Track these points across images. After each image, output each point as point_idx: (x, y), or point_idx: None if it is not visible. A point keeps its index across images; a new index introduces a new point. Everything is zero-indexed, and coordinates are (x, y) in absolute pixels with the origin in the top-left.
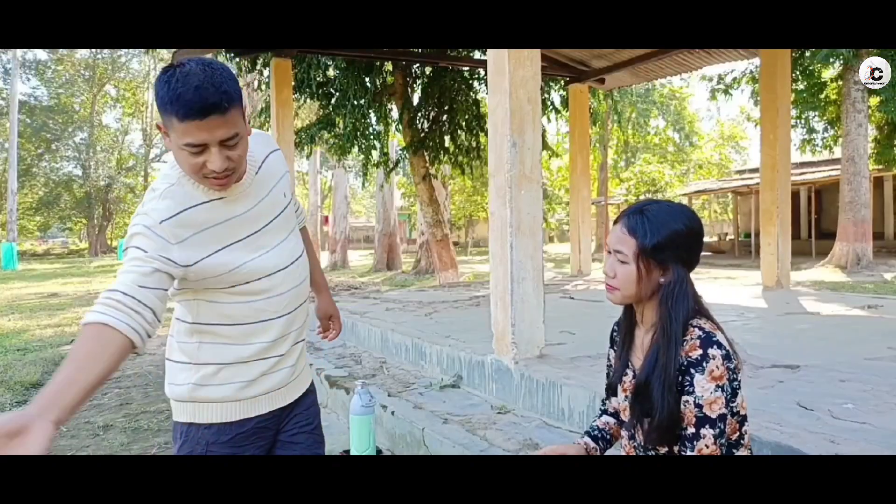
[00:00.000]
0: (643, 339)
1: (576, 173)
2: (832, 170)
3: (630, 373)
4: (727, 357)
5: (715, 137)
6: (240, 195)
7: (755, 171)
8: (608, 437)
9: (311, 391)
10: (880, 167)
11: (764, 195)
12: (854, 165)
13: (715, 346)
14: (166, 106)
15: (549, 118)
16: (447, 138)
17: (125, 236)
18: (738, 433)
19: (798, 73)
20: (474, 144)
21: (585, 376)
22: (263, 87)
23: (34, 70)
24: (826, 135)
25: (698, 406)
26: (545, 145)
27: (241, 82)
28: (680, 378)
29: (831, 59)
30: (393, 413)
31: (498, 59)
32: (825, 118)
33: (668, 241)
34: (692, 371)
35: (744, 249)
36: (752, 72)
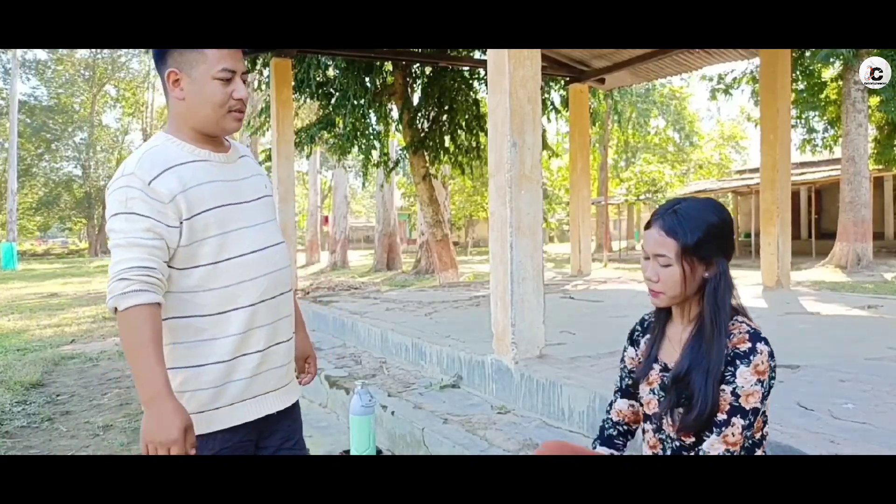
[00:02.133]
0: (681, 334)
1: (576, 173)
2: (832, 170)
3: (657, 367)
4: (772, 355)
5: (715, 137)
6: (225, 161)
7: (755, 170)
8: (624, 429)
9: (295, 404)
10: (880, 167)
11: (764, 195)
12: (854, 165)
13: (763, 342)
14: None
15: (549, 118)
16: (447, 138)
17: (110, 202)
18: (760, 433)
19: (798, 72)
20: (474, 144)
21: (586, 376)
22: (263, 86)
23: (34, 70)
24: (826, 135)
25: (735, 395)
26: (545, 145)
27: None
28: (722, 368)
29: (831, 59)
30: (393, 413)
31: (498, 59)
32: (825, 118)
33: (707, 235)
34: (737, 362)
35: (744, 249)
36: (752, 72)
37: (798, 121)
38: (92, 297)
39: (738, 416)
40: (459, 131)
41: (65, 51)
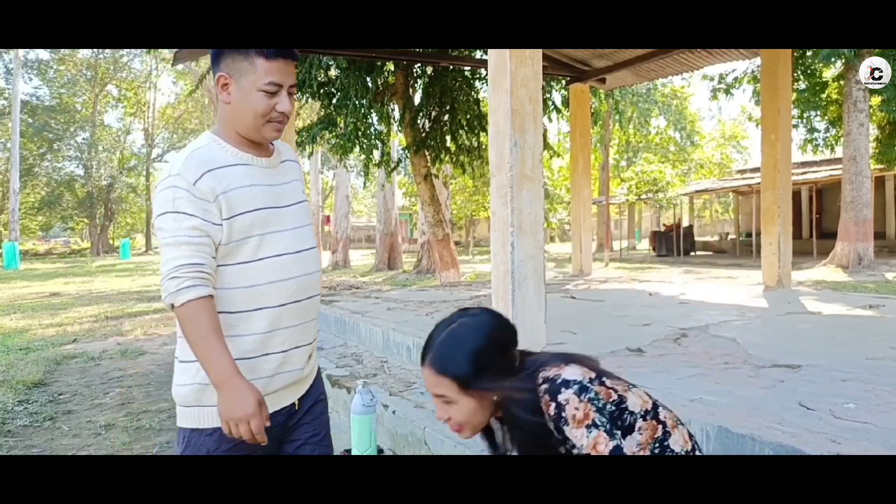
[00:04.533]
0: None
1: (577, 173)
2: (833, 169)
3: None
4: (581, 390)
5: (716, 137)
6: (266, 166)
7: (756, 170)
8: None
9: (321, 399)
10: (882, 167)
11: (765, 195)
12: (855, 165)
13: (562, 389)
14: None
15: (550, 118)
16: (448, 138)
17: (158, 202)
18: (658, 429)
19: (799, 72)
20: (476, 144)
21: None
22: None
23: (36, 70)
24: (827, 134)
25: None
26: (546, 145)
27: None
28: (561, 437)
29: (833, 59)
30: (394, 412)
31: (499, 59)
32: (826, 118)
33: (479, 364)
34: (561, 427)
35: (745, 249)
36: (753, 71)
37: (799, 120)
38: (94, 297)
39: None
40: (461, 131)
41: (67, 51)
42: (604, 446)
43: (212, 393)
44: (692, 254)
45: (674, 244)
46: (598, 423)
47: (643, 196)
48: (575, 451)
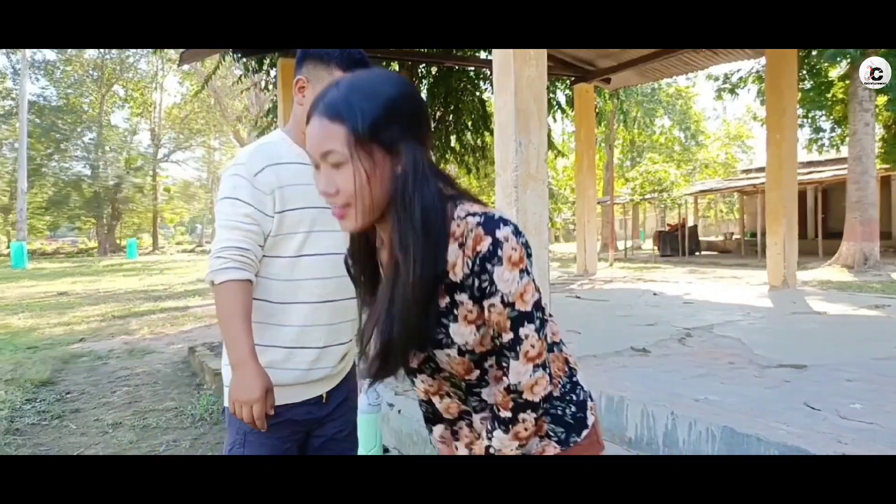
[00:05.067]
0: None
1: (581, 173)
2: (839, 169)
3: None
4: (517, 231)
5: (721, 137)
6: None
7: (761, 170)
8: None
9: (351, 396)
10: (887, 166)
11: (770, 194)
12: (861, 165)
13: (501, 225)
14: (332, 56)
15: (554, 118)
16: (453, 138)
17: (221, 187)
18: (558, 330)
19: (805, 72)
20: (480, 144)
21: (592, 376)
22: (270, 87)
23: (43, 70)
24: (833, 134)
25: (509, 305)
26: (551, 145)
27: (248, 83)
28: (475, 282)
29: (838, 59)
30: (400, 412)
31: (504, 59)
32: (832, 117)
33: (387, 112)
34: (487, 266)
35: (750, 249)
36: (758, 71)
37: (804, 120)
38: (101, 296)
39: (526, 322)
40: (465, 131)
41: (73, 51)
42: (531, 295)
43: None
44: (697, 254)
45: (678, 244)
46: (529, 270)
47: (648, 196)
48: (487, 298)
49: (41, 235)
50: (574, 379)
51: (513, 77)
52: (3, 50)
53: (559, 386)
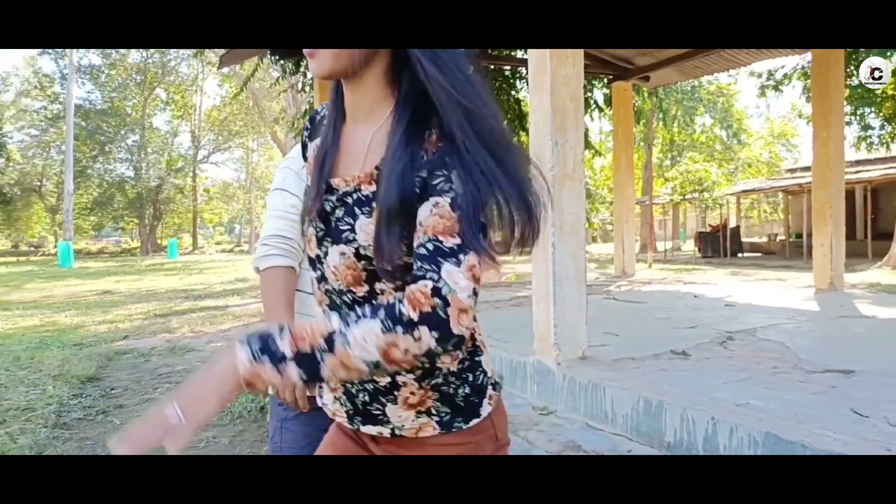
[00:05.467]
0: (361, 137)
1: (619, 172)
2: (889, 168)
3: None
4: None
5: (764, 135)
6: None
7: (807, 169)
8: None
9: None
10: None
11: (817, 194)
12: None
13: None
14: None
15: (591, 116)
16: None
17: (275, 178)
18: None
19: (852, 67)
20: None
21: (630, 378)
22: (307, 88)
23: (89, 75)
24: (882, 131)
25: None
26: (588, 144)
27: (285, 84)
28: (424, 175)
29: (888, 54)
30: None
31: (540, 58)
32: (882, 114)
33: None
34: (447, 160)
35: (795, 250)
36: (803, 67)
37: (852, 117)
38: (143, 295)
39: (479, 234)
40: None
41: (118, 56)
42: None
43: None
44: (739, 255)
45: (720, 245)
46: None
47: (688, 196)
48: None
49: (86, 235)
50: (476, 358)
51: (549, 76)
52: (52, 55)
53: (457, 360)
